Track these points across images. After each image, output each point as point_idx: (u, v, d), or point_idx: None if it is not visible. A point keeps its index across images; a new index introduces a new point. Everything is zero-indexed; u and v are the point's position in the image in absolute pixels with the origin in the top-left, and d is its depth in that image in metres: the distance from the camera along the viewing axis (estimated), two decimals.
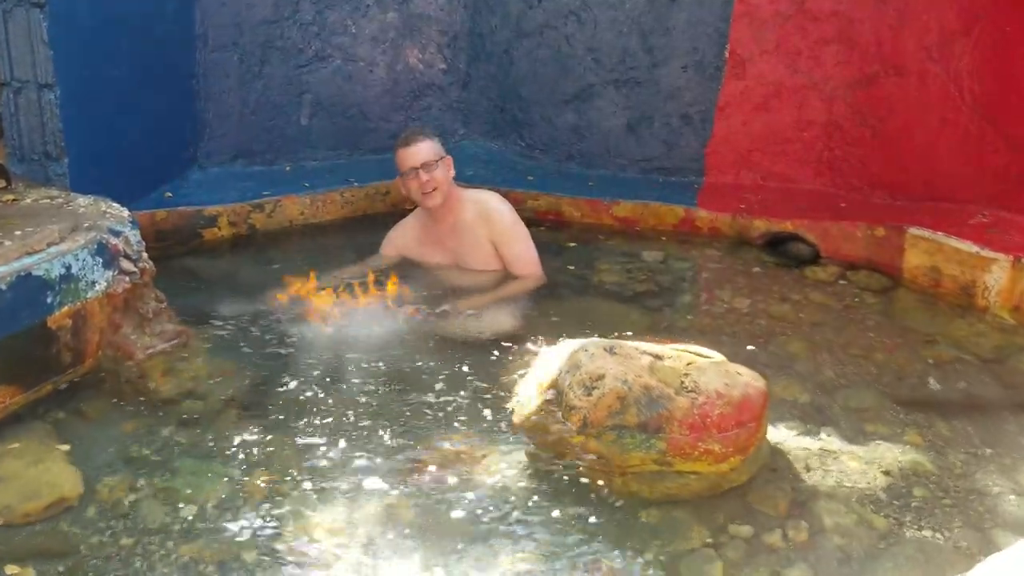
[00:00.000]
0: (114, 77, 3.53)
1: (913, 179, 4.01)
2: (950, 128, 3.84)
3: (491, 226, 3.46)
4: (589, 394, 2.24)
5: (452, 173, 3.47)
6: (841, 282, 3.65)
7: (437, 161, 3.38)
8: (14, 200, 2.89)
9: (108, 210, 2.87)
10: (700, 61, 4.43)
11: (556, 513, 2.12)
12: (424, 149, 3.38)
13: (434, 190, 3.37)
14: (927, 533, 2.10)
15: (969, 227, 3.57)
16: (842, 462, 2.37)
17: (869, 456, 2.40)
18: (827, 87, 4.24)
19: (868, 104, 4.14)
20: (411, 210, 3.72)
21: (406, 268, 3.54)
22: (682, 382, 2.27)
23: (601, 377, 2.26)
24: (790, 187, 4.36)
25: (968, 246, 3.41)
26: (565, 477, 2.23)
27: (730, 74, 4.37)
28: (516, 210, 3.54)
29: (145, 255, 2.81)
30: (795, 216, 3.97)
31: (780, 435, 2.47)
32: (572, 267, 3.77)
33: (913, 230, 3.61)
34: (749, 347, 3.04)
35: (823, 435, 2.50)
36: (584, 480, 2.22)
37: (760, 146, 4.42)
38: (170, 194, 3.95)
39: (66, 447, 2.30)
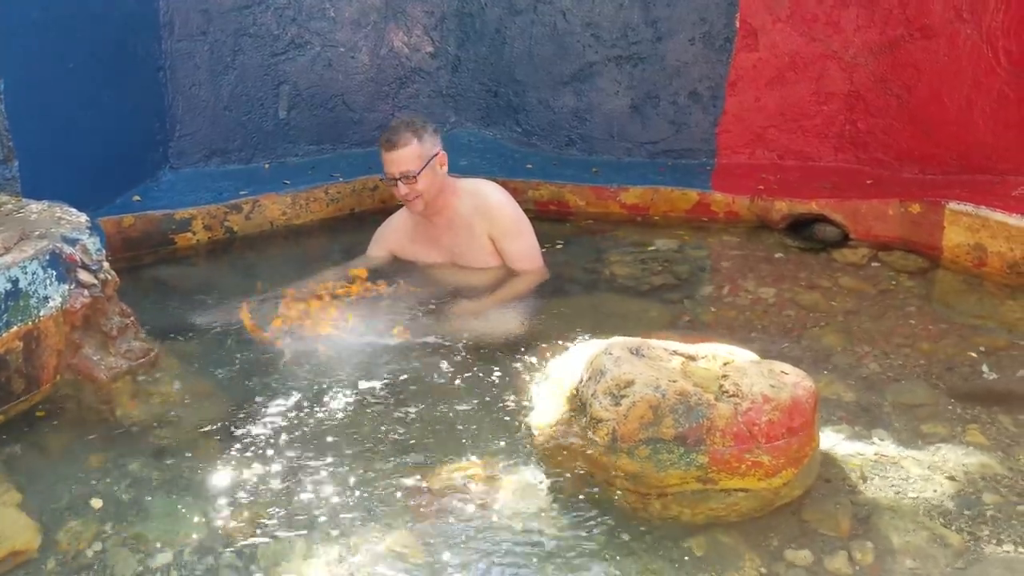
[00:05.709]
0: (69, 70, 3.41)
1: (946, 151, 3.96)
2: (984, 93, 3.78)
3: (491, 221, 3.33)
4: (617, 404, 2.09)
5: (444, 170, 3.32)
6: (874, 264, 3.57)
7: (420, 171, 3.18)
8: None
9: (63, 216, 2.72)
10: (708, 33, 4.37)
11: (586, 544, 1.99)
12: (406, 156, 3.16)
13: (417, 198, 3.23)
14: (1008, 548, 1.96)
15: (1014, 199, 3.48)
16: (901, 468, 2.24)
17: (930, 460, 2.27)
18: (847, 55, 4.19)
19: (893, 71, 4.08)
20: (401, 205, 3.59)
21: (398, 269, 3.43)
22: (721, 386, 2.12)
23: (630, 384, 2.11)
24: (810, 165, 4.33)
25: (1017, 220, 3.32)
26: (594, 501, 2.10)
27: (741, 45, 4.31)
28: (516, 201, 3.43)
29: (107, 265, 2.66)
30: (820, 196, 3.89)
31: (828, 440, 2.34)
32: (580, 260, 3.66)
33: (953, 205, 3.52)
34: (781, 341, 2.92)
35: (876, 438, 2.37)
36: (616, 504, 2.08)
37: (776, 122, 4.37)
38: (139, 198, 3.84)
39: (19, 489, 2.15)
